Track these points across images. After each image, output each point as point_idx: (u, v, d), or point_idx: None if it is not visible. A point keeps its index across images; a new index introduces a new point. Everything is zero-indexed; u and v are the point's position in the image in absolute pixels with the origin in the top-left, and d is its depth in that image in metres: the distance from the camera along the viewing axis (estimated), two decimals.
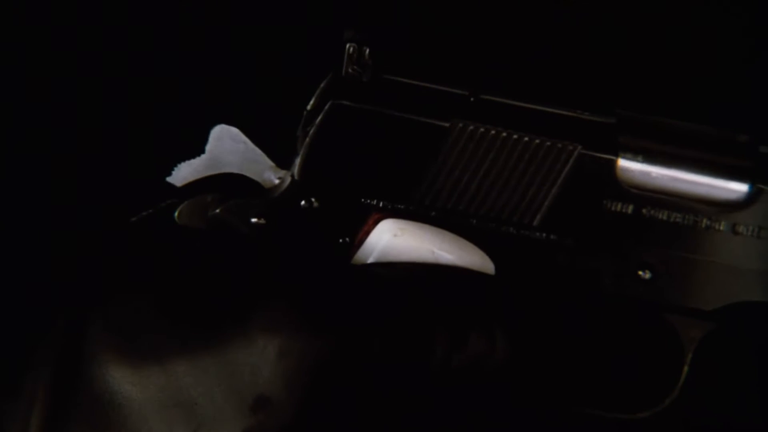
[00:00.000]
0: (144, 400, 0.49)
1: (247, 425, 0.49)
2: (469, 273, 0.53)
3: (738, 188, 0.54)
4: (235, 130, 0.55)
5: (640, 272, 0.55)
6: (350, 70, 0.54)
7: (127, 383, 0.49)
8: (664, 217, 0.55)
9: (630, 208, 0.55)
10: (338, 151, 0.54)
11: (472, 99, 0.54)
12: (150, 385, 0.49)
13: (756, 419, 0.62)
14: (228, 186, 0.55)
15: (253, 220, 0.54)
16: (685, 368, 0.56)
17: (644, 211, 0.55)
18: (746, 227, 0.54)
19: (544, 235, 0.55)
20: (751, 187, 0.54)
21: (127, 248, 0.53)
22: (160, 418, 0.49)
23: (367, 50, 0.53)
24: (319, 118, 0.54)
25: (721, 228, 0.55)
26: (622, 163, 0.54)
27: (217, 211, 0.54)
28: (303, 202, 0.54)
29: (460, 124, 0.54)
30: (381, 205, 0.54)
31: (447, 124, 0.54)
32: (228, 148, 0.55)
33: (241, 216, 0.54)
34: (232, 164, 0.55)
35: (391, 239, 0.54)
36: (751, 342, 0.60)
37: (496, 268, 0.54)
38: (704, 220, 0.55)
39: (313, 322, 0.49)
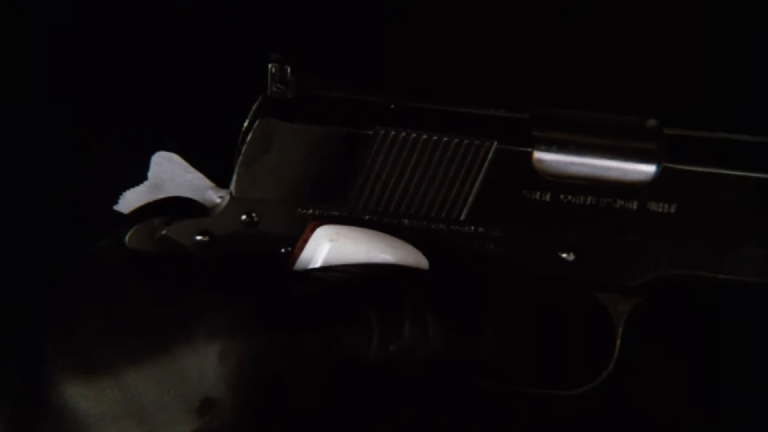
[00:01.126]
0: (99, 414, 0.52)
1: (195, 427, 0.51)
2: (402, 268, 0.56)
3: (646, 169, 0.57)
4: (174, 156, 0.57)
5: (564, 254, 0.58)
6: (275, 89, 0.56)
7: (83, 399, 0.52)
8: (581, 201, 0.57)
9: (548, 196, 0.57)
10: (271, 166, 0.57)
11: (392, 106, 0.57)
12: (104, 398, 0.52)
13: (689, 383, 0.65)
14: (173, 208, 0.57)
15: (198, 237, 0.57)
16: (618, 342, 0.59)
17: (562, 197, 0.57)
18: (657, 204, 0.57)
19: (472, 228, 0.58)
20: (657, 167, 0.57)
21: (82, 275, 0.56)
22: (115, 429, 0.52)
23: (289, 69, 0.56)
24: (249, 136, 0.56)
25: (634, 207, 0.57)
26: (537, 155, 0.57)
27: (164, 232, 0.56)
28: (243, 217, 0.57)
29: (383, 131, 0.57)
30: (317, 213, 0.57)
31: (370, 132, 0.57)
32: (169, 173, 0.57)
33: (186, 235, 0.57)
34: (174, 188, 0.57)
35: (328, 244, 0.56)
36: (675, 311, 0.62)
37: (430, 263, 0.57)
38: (618, 201, 0.57)
39: (248, 325, 0.52)
